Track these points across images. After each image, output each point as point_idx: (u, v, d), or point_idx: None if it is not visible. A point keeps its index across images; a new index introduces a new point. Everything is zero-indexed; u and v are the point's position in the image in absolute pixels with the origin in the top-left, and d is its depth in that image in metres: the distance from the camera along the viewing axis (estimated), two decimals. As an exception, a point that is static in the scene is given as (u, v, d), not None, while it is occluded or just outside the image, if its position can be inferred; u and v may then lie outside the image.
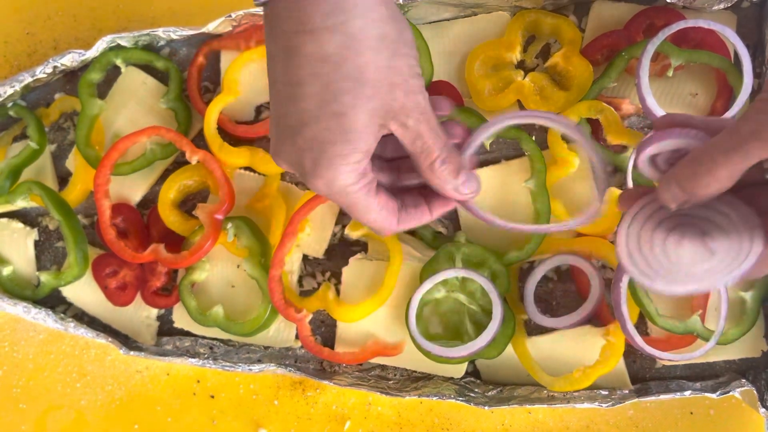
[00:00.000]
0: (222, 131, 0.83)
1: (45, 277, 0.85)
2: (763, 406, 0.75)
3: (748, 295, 0.77)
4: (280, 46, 0.52)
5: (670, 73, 0.76)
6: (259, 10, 0.81)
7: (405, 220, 0.60)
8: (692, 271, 0.52)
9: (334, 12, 0.50)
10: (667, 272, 0.53)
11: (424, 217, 0.61)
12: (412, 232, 0.84)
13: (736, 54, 0.75)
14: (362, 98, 0.51)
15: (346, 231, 0.83)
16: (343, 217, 0.84)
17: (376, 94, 0.52)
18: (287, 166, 0.56)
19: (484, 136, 0.62)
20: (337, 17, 0.50)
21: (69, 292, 0.87)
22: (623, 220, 0.55)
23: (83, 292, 0.87)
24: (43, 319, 0.83)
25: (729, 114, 0.73)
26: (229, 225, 0.81)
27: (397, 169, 0.63)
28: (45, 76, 0.85)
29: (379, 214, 0.58)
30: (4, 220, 0.88)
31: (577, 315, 0.78)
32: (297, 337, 0.84)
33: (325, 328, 0.85)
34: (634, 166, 0.57)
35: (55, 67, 0.84)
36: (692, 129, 0.52)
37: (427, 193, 0.61)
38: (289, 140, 0.54)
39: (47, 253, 0.89)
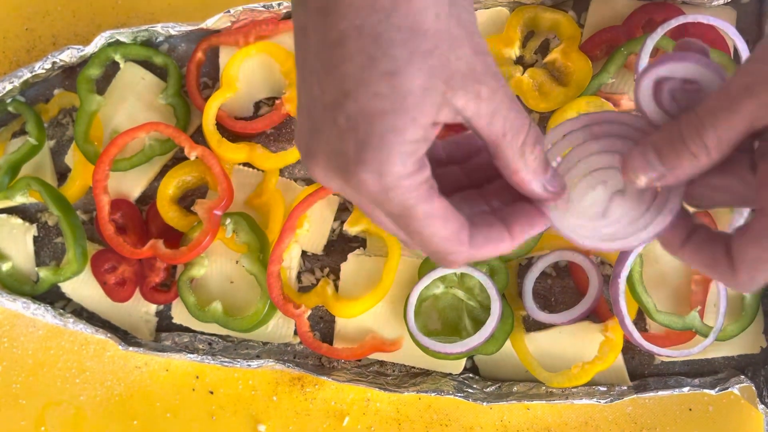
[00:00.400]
0: (221, 127, 0.83)
1: (44, 273, 0.85)
2: (762, 403, 0.75)
3: (746, 292, 0.77)
4: (314, 9, 0.41)
5: (670, 69, 0.76)
6: (258, 6, 0.81)
7: (478, 242, 0.44)
8: (595, 225, 0.46)
9: None
10: (574, 213, 0.46)
11: (502, 241, 0.45)
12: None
13: (735, 49, 0.75)
14: (418, 56, 0.40)
15: (345, 227, 0.83)
16: (341, 213, 0.84)
17: (436, 52, 0.40)
18: (323, 169, 0.42)
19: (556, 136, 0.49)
20: None
21: (68, 287, 0.87)
22: (560, 126, 0.47)
23: (82, 287, 0.87)
24: (42, 314, 0.83)
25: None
26: (228, 221, 0.81)
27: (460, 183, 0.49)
28: (44, 71, 0.85)
29: (444, 226, 0.43)
30: (3, 215, 0.88)
31: (575, 311, 0.78)
32: (296, 332, 0.84)
33: (324, 324, 0.85)
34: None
35: (54, 63, 0.84)
36: (713, 62, 0.44)
37: (500, 213, 0.47)
38: (326, 126, 0.41)
39: (46, 249, 0.89)
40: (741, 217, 0.74)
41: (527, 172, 0.44)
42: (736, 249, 0.42)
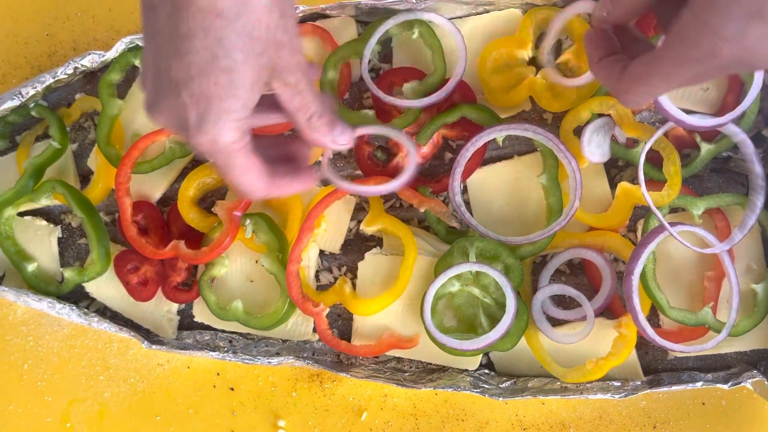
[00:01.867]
0: (239, 129, 0.85)
1: (69, 273, 0.87)
2: (775, 397, 0.76)
3: (759, 287, 0.78)
4: (166, 2, 0.52)
5: (681, 69, 0.77)
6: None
7: (278, 183, 0.62)
8: None
9: None
10: None
11: (294, 180, 0.63)
12: (425, 227, 0.85)
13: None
14: (253, 55, 0.52)
15: (362, 226, 0.85)
16: (358, 213, 0.86)
17: (266, 52, 0.53)
18: (165, 122, 0.55)
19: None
20: None
21: (92, 287, 0.89)
22: None
23: (106, 287, 0.89)
24: (67, 314, 0.85)
25: (740, 108, 0.74)
26: (248, 221, 0.83)
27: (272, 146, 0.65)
28: (66, 77, 0.86)
29: (254, 174, 0.59)
30: (28, 217, 0.90)
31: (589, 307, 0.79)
32: (314, 330, 0.86)
33: (342, 322, 0.87)
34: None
35: (75, 68, 0.86)
36: None
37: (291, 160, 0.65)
38: (171, 95, 0.53)
39: (70, 250, 0.91)
40: (754, 214, 0.75)
41: (316, 135, 0.61)
42: (629, 67, 0.55)
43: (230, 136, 0.54)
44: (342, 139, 0.63)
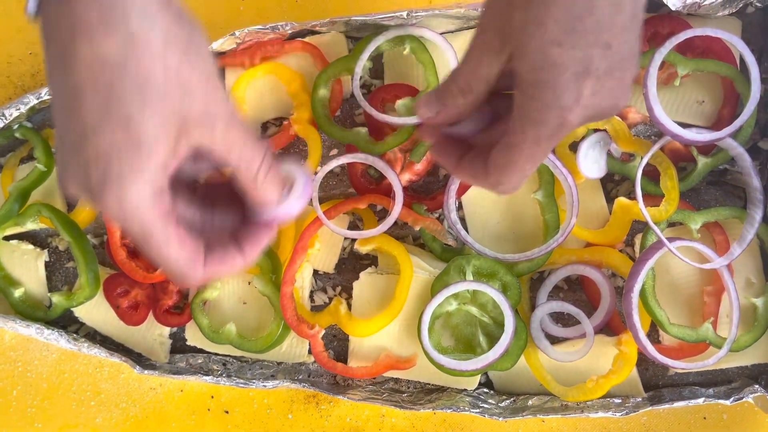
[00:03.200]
0: (229, 149, 0.83)
1: (57, 298, 0.85)
2: (776, 411, 0.76)
3: (759, 301, 0.78)
4: (54, 56, 0.46)
5: (677, 83, 0.76)
6: (263, 27, 0.81)
7: (212, 262, 0.51)
8: None
9: (110, 11, 0.44)
10: None
11: (235, 259, 0.52)
12: (420, 245, 0.84)
13: (742, 59, 0.75)
14: (151, 103, 0.45)
15: (356, 245, 0.83)
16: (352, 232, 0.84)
17: (168, 99, 0.46)
18: (76, 189, 0.48)
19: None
20: (114, 16, 0.44)
21: (81, 312, 0.87)
22: None
23: (95, 311, 0.87)
24: (56, 339, 0.83)
25: (738, 122, 0.73)
26: (240, 243, 0.81)
27: (210, 207, 0.54)
28: (50, 97, 0.84)
29: (180, 251, 0.49)
30: (14, 242, 0.88)
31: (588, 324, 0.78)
32: (310, 351, 0.84)
33: (338, 342, 0.86)
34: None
35: (60, 89, 0.84)
36: None
37: (237, 234, 0.53)
38: (73, 157, 0.47)
39: (58, 274, 0.89)
40: (752, 227, 0.74)
41: (262, 192, 0.51)
42: (490, 160, 0.55)
43: (138, 197, 0.46)
44: (295, 205, 0.54)
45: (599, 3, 0.47)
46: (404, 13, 0.78)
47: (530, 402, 0.81)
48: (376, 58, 0.84)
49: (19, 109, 0.84)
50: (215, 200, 0.55)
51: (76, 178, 0.47)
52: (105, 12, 0.44)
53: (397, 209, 0.79)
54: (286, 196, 0.53)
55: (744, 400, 0.77)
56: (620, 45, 0.48)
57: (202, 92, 0.47)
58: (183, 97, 0.46)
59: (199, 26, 0.49)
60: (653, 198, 0.77)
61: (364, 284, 0.82)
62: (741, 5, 0.77)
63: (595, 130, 0.78)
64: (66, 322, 0.88)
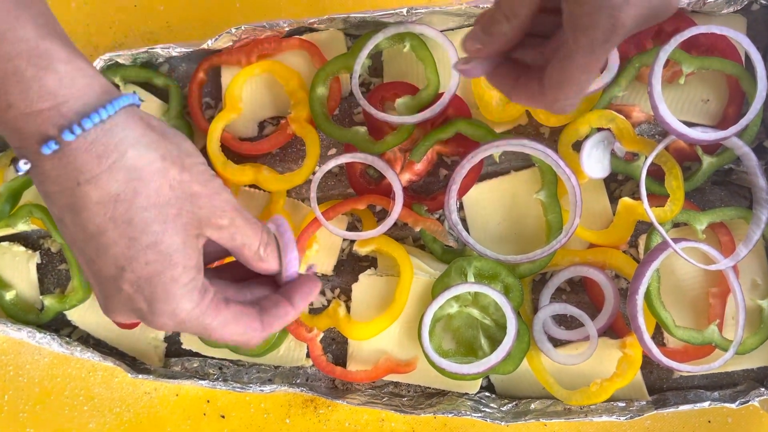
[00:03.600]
0: (225, 148, 0.82)
1: (49, 301, 0.83)
2: (783, 415, 0.75)
3: (765, 303, 0.76)
4: (63, 206, 0.49)
5: (682, 81, 0.75)
6: (260, 24, 0.79)
7: (269, 322, 0.55)
8: None
9: (105, 152, 0.47)
10: None
11: (288, 313, 0.56)
12: (421, 246, 0.83)
13: (747, 57, 0.74)
14: (170, 221, 0.49)
15: (355, 246, 0.82)
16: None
17: (182, 210, 0.50)
18: (125, 317, 0.52)
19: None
20: (111, 156, 0.47)
21: (74, 314, 0.85)
22: None
23: (88, 314, 0.85)
24: (48, 343, 0.82)
25: (744, 121, 0.72)
26: (236, 244, 0.80)
27: (239, 277, 0.59)
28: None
29: (237, 325, 0.53)
30: (5, 243, 0.86)
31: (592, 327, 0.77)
32: (308, 355, 0.83)
33: (336, 346, 0.84)
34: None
35: (52, 87, 0.82)
36: None
37: (285, 289, 0.57)
38: (115, 292, 0.50)
39: (50, 276, 0.87)
40: (758, 228, 0.73)
41: (267, 264, 0.55)
42: (545, 77, 0.53)
43: (188, 303, 0.50)
44: (293, 263, 0.57)
45: None
46: (404, 10, 0.77)
47: (533, 406, 0.80)
48: (376, 56, 0.83)
49: (10, 107, 0.82)
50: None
51: (123, 307, 0.51)
52: (102, 155, 0.47)
53: (396, 210, 0.77)
54: (287, 256, 0.56)
55: (750, 403, 0.75)
56: None
57: (207, 196, 0.51)
58: (193, 205, 0.50)
59: (183, 136, 0.52)
60: (658, 198, 0.76)
61: (364, 286, 0.81)
62: (746, 2, 0.76)
63: (599, 129, 0.77)
64: (58, 326, 0.87)
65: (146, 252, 0.49)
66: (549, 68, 0.53)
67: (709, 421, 0.82)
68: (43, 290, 0.87)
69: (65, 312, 0.85)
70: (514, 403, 0.80)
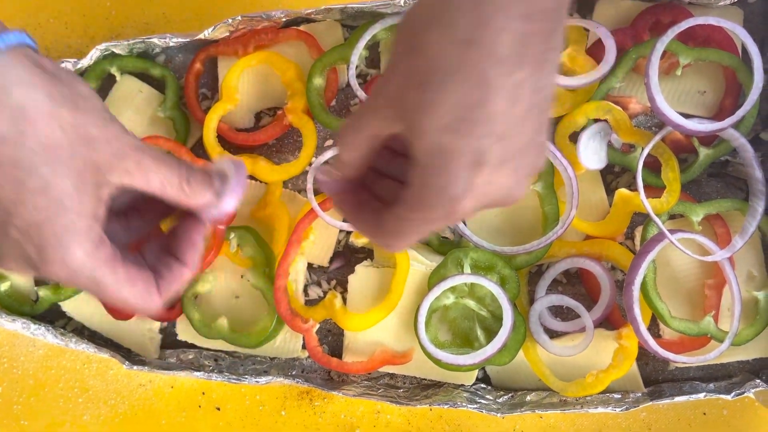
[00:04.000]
0: (222, 139, 0.82)
1: (44, 293, 0.83)
2: (778, 406, 0.75)
3: (761, 295, 0.77)
4: None
5: (679, 72, 0.75)
6: (257, 15, 0.79)
7: (165, 287, 0.53)
8: None
9: None
10: None
11: (184, 274, 0.54)
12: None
13: (744, 49, 0.74)
14: (61, 163, 0.47)
15: (351, 238, 0.82)
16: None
17: (76, 153, 0.47)
18: (15, 266, 0.49)
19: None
20: None
21: (69, 306, 0.85)
22: None
23: (83, 306, 0.85)
24: (42, 334, 0.81)
25: (740, 112, 0.72)
26: (232, 235, 0.80)
27: (140, 233, 0.57)
28: None
29: (134, 288, 0.51)
30: None
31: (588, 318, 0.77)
32: (304, 347, 0.82)
33: (332, 337, 0.84)
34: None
35: (47, 77, 0.82)
36: None
37: (171, 247, 0.55)
38: (3, 238, 0.48)
39: (45, 267, 0.87)
40: (754, 220, 0.73)
41: (193, 200, 0.53)
42: (382, 221, 0.52)
43: (80, 251, 0.47)
44: (230, 203, 0.55)
45: (493, 96, 0.44)
46: (401, 1, 0.77)
47: (528, 397, 0.80)
48: (373, 47, 0.82)
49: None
50: (147, 220, 0.57)
51: (12, 255, 0.48)
52: None
53: None
54: (223, 192, 0.54)
55: (745, 395, 0.75)
56: (516, 136, 0.46)
57: (105, 139, 0.48)
58: (89, 149, 0.48)
59: (78, 79, 0.50)
60: (654, 189, 0.76)
61: (360, 277, 0.81)
62: (743, -6, 0.76)
63: (596, 121, 0.77)
64: (53, 317, 0.86)
65: (35, 196, 0.46)
66: (386, 215, 0.51)
67: (705, 413, 0.82)
68: (38, 281, 0.86)
69: (60, 303, 0.85)
70: (510, 394, 0.80)
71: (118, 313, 0.83)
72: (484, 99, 0.44)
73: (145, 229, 0.57)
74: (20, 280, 0.86)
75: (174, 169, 0.52)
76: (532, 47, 0.44)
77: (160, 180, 0.51)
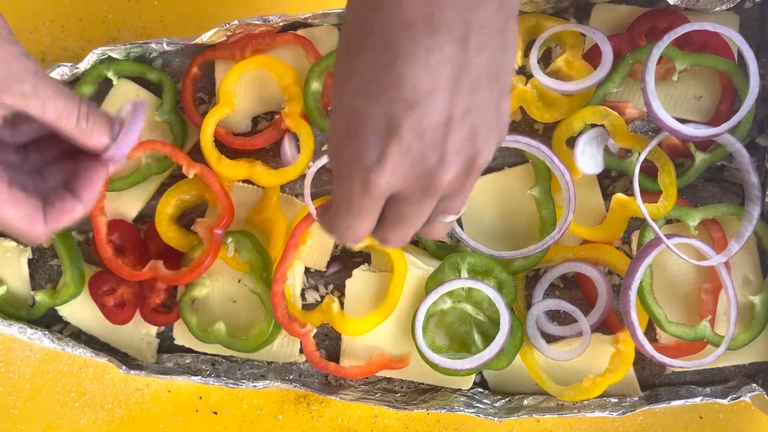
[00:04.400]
0: (219, 144, 0.82)
1: (40, 297, 0.83)
2: (774, 410, 0.75)
3: (756, 299, 0.77)
4: None
5: (675, 77, 0.76)
6: (254, 19, 0.79)
7: (54, 217, 0.53)
8: None
9: None
10: None
11: (75, 209, 0.54)
12: (414, 242, 0.82)
13: (739, 54, 0.74)
14: None
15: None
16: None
17: None
18: None
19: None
20: None
21: (65, 310, 0.85)
22: None
23: (80, 310, 0.85)
24: (39, 339, 0.81)
25: (736, 117, 0.73)
26: (230, 239, 0.80)
27: (42, 165, 0.57)
28: None
29: (17, 210, 0.51)
30: (-4, 238, 0.86)
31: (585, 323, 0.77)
32: (301, 351, 0.83)
33: (330, 341, 0.84)
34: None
35: (44, 82, 0.82)
36: None
37: (71, 183, 0.55)
38: None
39: (42, 272, 0.87)
40: (750, 224, 0.74)
41: (91, 140, 0.52)
42: (323, 217, 0.52)
43: None
44: (127, 144, 0.55)
45: (402, 59, 0.43)
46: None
47: (526, 402, 0.80)
48: (370, 52, 0.82)
49: (1, 101, 0.82)
50: (48, 158, 0.56)
51: None
52: None
53: None
54: (118, 135, 0.54)
55: (741, 399, 0.76)
56: (433, 109, 0.44)
57: (1, 58, 0.48)
58: None
59: None
60: (651, 194, 0.76)
61: (357, 282, 0.81)
62: (739, 0, 0.76)
63: (593, 126, 0.77)
64: (50, 322, 0.86)
65: None
66: (320, 208, 0.53)
67: (701, 417, 0.83)
68: (35, 286, 0.86)
69: (57, 308, 0.84)
70: (507, 398, 0.80)
71: (115, 317, 0.83)
72: (391, 60, 0.43)
73: (42, 165, 0.56)
74: (17, 284, 0.85)
75: (74, 103, 0.51)
76: (446, 19, 0.43)
77: (56, 111, 0.50)
